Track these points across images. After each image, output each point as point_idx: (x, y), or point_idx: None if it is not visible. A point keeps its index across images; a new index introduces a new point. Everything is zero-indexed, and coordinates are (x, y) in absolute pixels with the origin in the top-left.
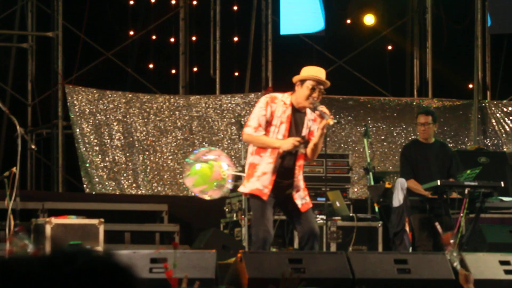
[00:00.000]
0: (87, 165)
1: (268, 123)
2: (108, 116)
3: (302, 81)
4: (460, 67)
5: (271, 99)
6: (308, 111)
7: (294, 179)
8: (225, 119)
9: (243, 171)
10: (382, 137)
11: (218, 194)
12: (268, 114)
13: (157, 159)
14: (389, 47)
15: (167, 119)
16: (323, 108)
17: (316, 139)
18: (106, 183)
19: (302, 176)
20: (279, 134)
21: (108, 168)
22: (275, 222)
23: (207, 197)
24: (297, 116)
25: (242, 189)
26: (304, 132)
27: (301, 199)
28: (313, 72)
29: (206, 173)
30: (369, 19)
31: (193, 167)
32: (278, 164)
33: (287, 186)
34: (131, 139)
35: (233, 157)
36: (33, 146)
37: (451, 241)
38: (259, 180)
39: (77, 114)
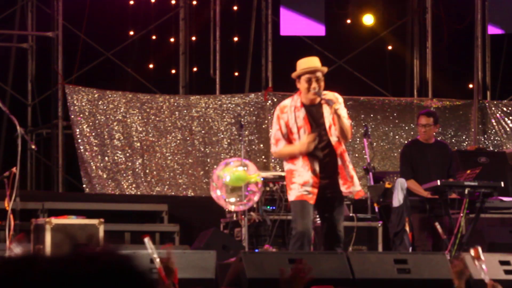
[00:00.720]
0: (87, 165)
1: (289, 133)
2: (108, 116)
3: (299, 77)
4: (460, 67)
5: (280, 110)
6: (326, 95)
7: (339, 170)
8: (225, 119)
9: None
10: (382, 137)
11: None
12: (283, 127)
13: (157, 159)
14: (389, 47)
15: (167, 119)
16: (326, 95)
17: (338, 124)
18: (106, 183)
19: (348, 162)
20: (301, 139)
21: (108, 168)
22: (274, 222)
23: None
24: (313, 111)
25: (289, 197)
26: (328, 121)
27: (357, 186)
28: (304, 64)
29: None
30: (368, 19)
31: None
32: (316, 166)
33: (333, 181)
34: (131, 139)
35: (233, 157)
36: (33, 146)
37: (481, 256)
38: (302, 187)
39: (77, 114)
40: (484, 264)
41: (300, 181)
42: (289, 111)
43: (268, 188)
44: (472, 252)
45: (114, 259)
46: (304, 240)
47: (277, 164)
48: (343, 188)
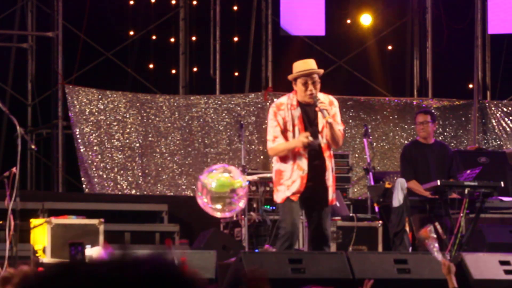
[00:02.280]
0: (87, 165)
1: (285, 130)
2: (108, 116)
3: (295, 79)
4: (460, 67)
5: (277, 107)
6: (320, 98)
7: (326, 172)
8: (225, 119)
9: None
10: (382, 137)
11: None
12: (281, 123)
13: (156, 159)
14: (389, 47)
15: (167, 119)
16: (321, 104)
17: (328, 133)
18: (106, 183)
19: (332, 167)
20: (295, 137)
21: (108, 168)
22: (274, 222)
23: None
24: (308, 111)
25: (275, 198)
26: (322, 122)
27: (333, 193)
28: (300, 67)
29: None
30: (366, 19)
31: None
32: (305, 166)
33: (320, 183)
34: (130, 139)
35: (233, 157)
36: (33, 146)
37: (431, 234)
38: (289, 189)
39: (77, 114)
40: (436, 242)
41: (289, 183)
42: (285, 109)
43: (268, 188)
44: (422, 232)
45: (161, 264)
46: (293, 239)
47: None
48: (330, 193)
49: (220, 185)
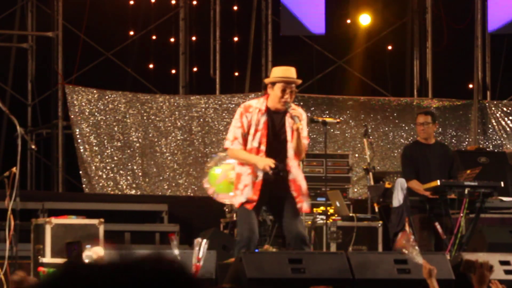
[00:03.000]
0: (87, 165)
1: (246, 133)
2: (108, 116)
3: (273, 83)
4: (460, 67)
5: (245, 109)
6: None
7: (289, 182)
8: (225, 119)
9: None
10: (382, 137)
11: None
12: (245, 125)
13: (156, 159)
14: (389, 47)
15: (167, 119)
16: (293, 111)
17: (295, 142)
18: (106, 183)
19: (302, 177)
20: (254, 141)
21: (108, 168)
22: (274, 222)
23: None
24: (275, 118)
25: (234, 200)
26: (287, 132)
27: (301, 203)
28: (282, 73)
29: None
30: (364, 19)
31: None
32: (261, 174)
33: (279, 189)
34: (130, 139)
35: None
36: (33, 146)
37: (409, 240)
38: (243, 193)
39: (77, 114)
40: (413, 247)
41: (241, 186)
42: (254, 112)
43: None
44: (397, 244)
45: (162, 264)
46: (250, 245)
47: None
48: (292, 192)
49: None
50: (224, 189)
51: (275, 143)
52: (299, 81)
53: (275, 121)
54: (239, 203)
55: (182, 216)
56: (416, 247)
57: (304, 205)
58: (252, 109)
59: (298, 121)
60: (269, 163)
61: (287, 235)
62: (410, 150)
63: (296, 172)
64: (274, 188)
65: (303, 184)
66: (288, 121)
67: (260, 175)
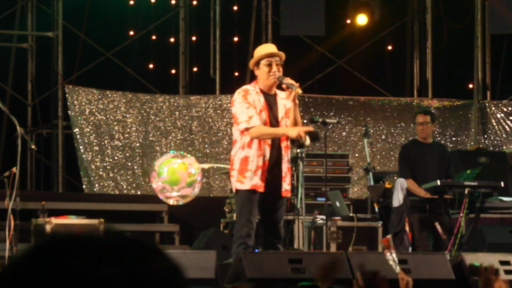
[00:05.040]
0: (87, 165)
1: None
2: (108, 116)
3: (258, 64)
4: (460, 67)
5: (244, 92)
6: (278, 91)
7: (282, 162)
8: (225, 119)
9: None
10: (382, 137)
11: (188, 194)
12: (252, 103)
13: (157, 159)
14: (389, 47)
15: (167, 119)
16: (288, 79)
17: (292, 114)
18: (106, 183)
19: (288, 158)
20: (261, 121)
21: (108, 168)
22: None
23: (171, 202)
24: (270, 100)
25: (240, 186)
26: (281, 113)
27: (287, 184)
28: (262, 50)
29: (175, 176)
30: (361, 19)
31: (160, 172)
32: (268, 153)
33: (276, 174)
34: (131, 139)
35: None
36: (33, 146)
37: (391, 243)
38: (256, 175)
39: (77, 114)
40: (395, 254)
41: (254, 167)
42: (253, 93)
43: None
44: (383, 240)
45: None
46: (249, 240)
47: None
48: (284, 185)
49: (173, 180)
50: (172, 181)
51: (274, 124)
52: (282, 54)
53: (271, 103)
54: (253, 185)
55: (182, 216)
56: (395, 255)
57: (289, 187)
58: (251, 91)
59: (295, 88)
60: (301, 129)
61: (264, 226)
62: (408, 149)
63: (286, 154)
64: (272, 171)
65: (288, 167)
66: (280, 102)
67: (268, 155)
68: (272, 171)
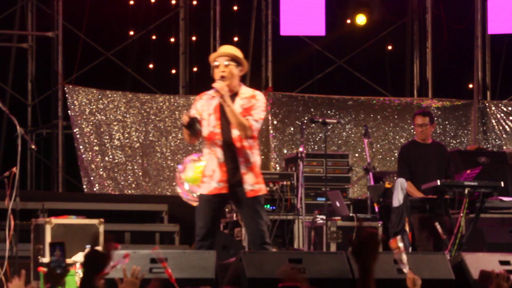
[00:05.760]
0: (87, 165)
1: (202, 119)
2: (108, 116)
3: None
4: (460, 67)
5: (199, 96)
6: (240, 91)
7: (240, 164)
8: None
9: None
10: (382, 137)
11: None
12: (198, 109)
13: (156, 159)
14: (389, 47)
15: (167, 119)
16: (216, 83)
17: (229, 116)
18: (106, 183)
19: (255, 159)
20: (209, 126)
21: (108, 168)
22: (274, 222)
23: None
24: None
25: (199, 190)
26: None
27: (250, 185)
28: (218, 51)
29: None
30: (360, 19)
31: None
32: (221, 155)
33: (233, 173)
34: (131, 139)
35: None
36: (33, 146)
37: (399, 244)
38: (213, 178)
39: (77, 114)
40: (404, 254)
41: (210, 172)
42: (205, 98)
43: (268, 188)
44: (391, 242)
45: None
46: (205, 241)
47: (277, 163)
48: (246, 186)
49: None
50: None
51: (225, 126)
52: (237, 57)
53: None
54: (210, 190)
55: (182, 216)
56: (404, 255)
57: (247, 187)
58: (206, 96)
59: (219, 85)
60: (185, 115)
61: (247, 231)
62: (407, 150)
63: (243, 155)
64: (230, 172)
65: (254, 165)
66: (236, 102)
67: (221, 156)
68: (230, 173)
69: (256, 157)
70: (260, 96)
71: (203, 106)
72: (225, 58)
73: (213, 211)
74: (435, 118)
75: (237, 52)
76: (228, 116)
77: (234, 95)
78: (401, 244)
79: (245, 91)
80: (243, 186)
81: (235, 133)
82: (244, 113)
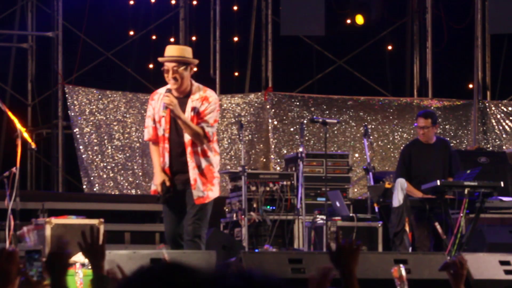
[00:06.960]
0: (87, 165)
1: (154, 122)
2: (108, 116)
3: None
4: (460, 67)
5: (151, 96)
6: (192, 91)
7: (189, 169)
8: (225, 119)
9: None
10: (382, 137)
11: None
12: (154, 112)
13: None
14: (389, 47)
15: None
16: (165, 98)
17: (181, 126)
18: (106, 183)
19: (209, 162)
20: (161, 129)
21: (108, 168)
22: (274, 222)
23: None
24: (179, 102)
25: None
26: (188, 116)
27: (199, 191)
28: (166, 52)
29: None
30: (359, 19)
31: None
32: (168, 159)
33: (183, 181)
34: (131, 139)
35: (233, 157)
36: (33, 146)
37: (402, 273)
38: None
39: (77, 114)
40: (405, 285)
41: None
42: (157, 99)
43: (268, 188)
44: (393, 272)
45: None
46: (171, 245)
47: (277, 164)
48: (194, 192)
49: None
50: None
51: (175, 130)
52: (177, 56)
53: (179, 105)
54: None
55: None
56: (406, 286)
57: (196, 193)
58: (157, 96)
59: (165, 100)
60: (159, 186)
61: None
62: (409, 149)
63: (193, 158)
64: (178, 177)
65: (207, 169)
66: (189, 104)
67: (167, 162)
68: (178, 179)
69: (210, 160)
70: (212, 98)
71: (155, 109)
72: (172, 63)
73: (168, 214)
74: None
75: (184, 52)
76: (182, 127)
77: (186, 96)
78: (404, 273)
79: (197, 91)
80: (192, 191)
81: (187, 137)
82: (196, 117)
